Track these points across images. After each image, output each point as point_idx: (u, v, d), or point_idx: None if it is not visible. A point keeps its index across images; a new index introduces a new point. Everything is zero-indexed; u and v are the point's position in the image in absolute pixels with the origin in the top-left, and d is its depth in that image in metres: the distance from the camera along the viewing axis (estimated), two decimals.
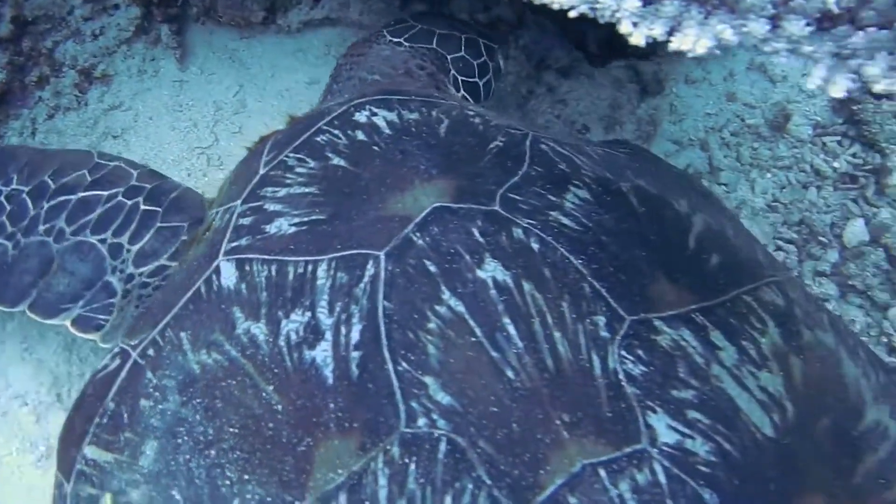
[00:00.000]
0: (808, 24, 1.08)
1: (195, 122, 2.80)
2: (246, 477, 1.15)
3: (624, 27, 1.17)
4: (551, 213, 1.37)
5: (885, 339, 2.45)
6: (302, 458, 1.13)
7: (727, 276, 1.37)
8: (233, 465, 1.17)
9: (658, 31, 1.16)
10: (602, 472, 1.06)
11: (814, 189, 2.70)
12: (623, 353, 1.18)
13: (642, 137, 2.72)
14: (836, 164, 2.72)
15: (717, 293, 1.32)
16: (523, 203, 1.37)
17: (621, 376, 1.15)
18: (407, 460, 1.09)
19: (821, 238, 2.60)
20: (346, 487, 1.09)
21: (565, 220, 1.36)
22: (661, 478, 1.07)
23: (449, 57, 2.25)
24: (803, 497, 1.14)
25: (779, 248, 2.61)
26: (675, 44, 1.13)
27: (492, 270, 1.25)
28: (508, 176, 1.44)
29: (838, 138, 2.76)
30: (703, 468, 1.09)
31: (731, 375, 1.21)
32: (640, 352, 1.19)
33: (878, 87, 1.02)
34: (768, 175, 2.74)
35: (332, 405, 1.16)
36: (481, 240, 1.29)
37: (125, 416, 1.30)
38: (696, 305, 1.28)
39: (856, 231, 2.59)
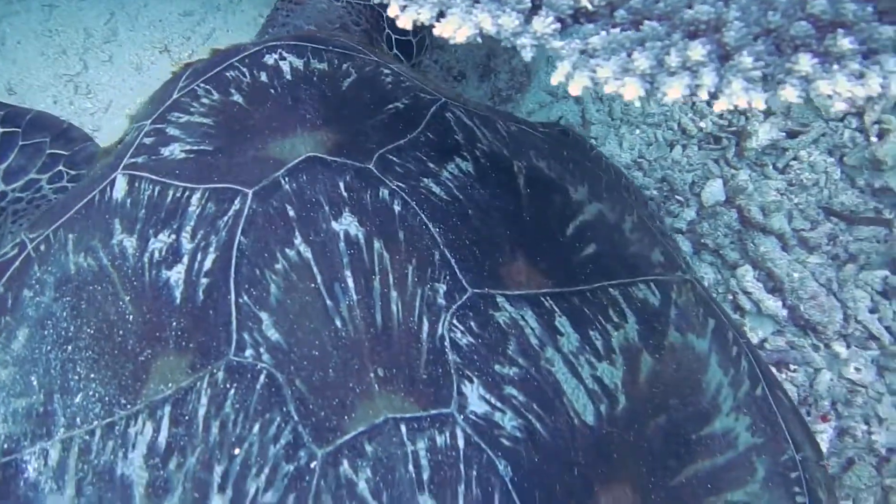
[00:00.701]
0: (557, 21, 1.11)
1: (64, 49, 2.73)
2: (92, 375, 1.23)
3: (392, 9, 1.18)
4: (424, 179, 1.39)
5: (730, 297, 2.56)
6: (141, 367, 1.21)
7: (599, 267, 1.39)
8: (83, 363, 1.24)
9: (425, 15, 1.18)
10: (403, 428, 1.11)
11: (679, 147, 2.76)
12: (454, 322, 1.21)
13: (516, 87, 2.74)
14: (702, 125, 2.78)
15: (577, 282, 1.34)
16: (399, 166, 1.40)
17: (446, 343, 1.19)
18: (228, 385, 1.16)
19: (678, 197, 2.68)
20: (172, 400, 1.16)
21: (436, 189, 1.38)
22: (460, 442, 1.11)
23: (385, 14, 2.21)
24: (609, 485, 1.17)
25: None
26: (438, 30, 1.15)
27: (346, 224, 1.28)
28: (395, 138, 1.46)
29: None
30: (505, 441, 1.13)
31: (564, 361, 1.23)
32: (472, 324, 1.22)
33: (608, 89, 1.05)
34: (637, 131, 2.80)
35: (174, 324, 1.23)
36: (345, 194, 1.32)
37: (9, 301, 1.38)
38: (549, 290, 1.31)
39: (713, 191, 2.67)
